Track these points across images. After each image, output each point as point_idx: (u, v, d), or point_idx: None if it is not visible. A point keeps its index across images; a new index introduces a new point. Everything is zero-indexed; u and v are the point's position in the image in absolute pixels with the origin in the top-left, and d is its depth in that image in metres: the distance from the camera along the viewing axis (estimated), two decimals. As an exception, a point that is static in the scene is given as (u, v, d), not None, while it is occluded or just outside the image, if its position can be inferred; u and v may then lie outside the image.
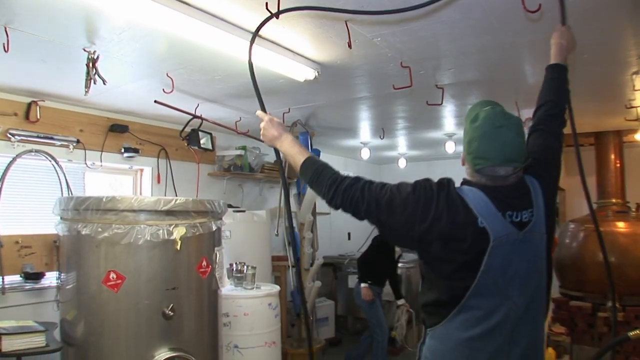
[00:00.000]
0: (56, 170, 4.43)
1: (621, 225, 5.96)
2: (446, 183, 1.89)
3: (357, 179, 1.96)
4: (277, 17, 2.51)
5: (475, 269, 1.80)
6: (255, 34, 2.24)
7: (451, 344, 1.89)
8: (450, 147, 6.87)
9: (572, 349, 5.78)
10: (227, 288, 4.62)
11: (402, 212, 1.85)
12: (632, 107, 4.79)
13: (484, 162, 1.86)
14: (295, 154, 2.13)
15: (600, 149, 6.73)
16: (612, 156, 6.58)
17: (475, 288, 1.81)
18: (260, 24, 2.25)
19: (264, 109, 2.26)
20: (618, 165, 6.56)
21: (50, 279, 4.21)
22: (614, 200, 6.42)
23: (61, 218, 3.31)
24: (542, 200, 1.93)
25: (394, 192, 1.88)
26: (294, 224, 6.18)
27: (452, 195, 1.85)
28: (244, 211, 5.65)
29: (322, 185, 1.99)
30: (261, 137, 2.25)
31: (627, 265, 5.70)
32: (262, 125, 2.23)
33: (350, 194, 1.91)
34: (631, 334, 2.02)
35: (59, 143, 4.50)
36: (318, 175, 2.01)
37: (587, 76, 4.02)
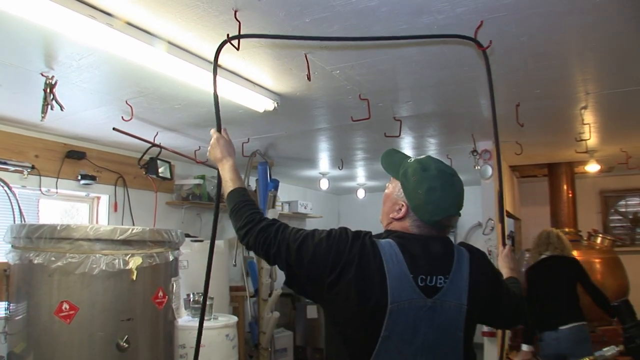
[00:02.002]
0: (9, 197, 4.31)
1: (574, 254, 6.12)
2: (363, 235, 1.76)
3: (274, 222, 1.87)
4: (237, 49, 2.55)
5: (378, 334, 1.66)
6: (217, 56, 2.25)
7: None
8: (408, 178, 6.97)
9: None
10: (184, 319, 4.54)
11: (311, 259, 1.72)
12: (582, 140, 4.98)
13: (443, 212, 1.77)
14: (228, 181, 2.10)
15: (553, 180, 6.93)
16: (565, 187, 6.79)
17: (377, 356, 1.67)
18: (217, 49, 2.28)
19: (219, 128, 2.25)
20: (570, 195, 6.77)
21: (-1, 310, 4.07)
22: (566, 229, 6.59)
23: (12, 246, 3.21)
24: (467, 272, 1.79)
25: (307, 238, 1.77)
26: (252, 255, 6.15)
27: (366, 248, 1.71)
28: (202, 241, 5.59)
29: (239, 219, 1.93)
30: (207, 155, 2.22)
31: (580, 293, 5.84)
32: (210, 142, 2.20)
33: (264, 236, 1.82)
34: (581, 361, 2.07)
35: (12, 168, 4.39)
36: (238, 209, 1.97)
37: (539, 110, 4.18)
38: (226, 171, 2.12)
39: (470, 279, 1.78)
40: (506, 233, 5.34)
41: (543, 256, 4.86)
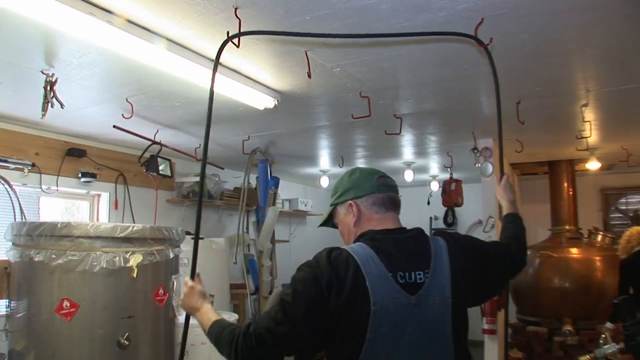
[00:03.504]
0: (9, 194, 4.32)
1: (574, 252, 6.13)
2: (333, 250, 1.74)
3: (248, 324, 1.74)
4: (238, 46, 2.55)
5: (363, 337, 1.63)
6: (217, 60, 2.26)
7: None
8: (409, 176, 6.98)
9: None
10: (184, 316, 4.54)
11: (309, 311, 1.66)
12: (582, 137, 4.98)
13: (372, 174, 1.93)
14: (210, 320, 1.97)
15: (554, 178, 6.93)
16: (565, 184, 6.79)
17: (364, 359, 1.64)
18: (220, 48, 2.28)
19: (193, 273, 2.23)
20: (571, 193, 6.77)
21: (-1, 307, 4.07)
22: (567, 227, 6.59)
23: (13, 244, 3.21)
24: (447, 263, 1.78)
25: (284, 301, 1.70)
26: (253, 252, 6.16)
27: (342, 257, 1.70)
28: (202, 238, 5.59)
29: (223, 345, 1.81)
30: (180, 305, 2.16)
31: (580, 290, 5.85)
32: (184, 291, 2.12)
33: (251, 338, 1.68)
34: (581, 358, 2.07)
35: (13, 166, 4.39)
36: (220, 332, 1.85)
37: (540, 108, 4.18)
38: (205, 315, 2.02)
39: (451, 270, 1.77)
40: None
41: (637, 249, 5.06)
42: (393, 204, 1.91)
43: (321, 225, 2.11)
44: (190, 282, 2.17)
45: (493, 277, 1.99)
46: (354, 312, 1.64)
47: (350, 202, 1.89)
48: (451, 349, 1.74)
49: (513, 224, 2.25)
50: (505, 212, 2.35)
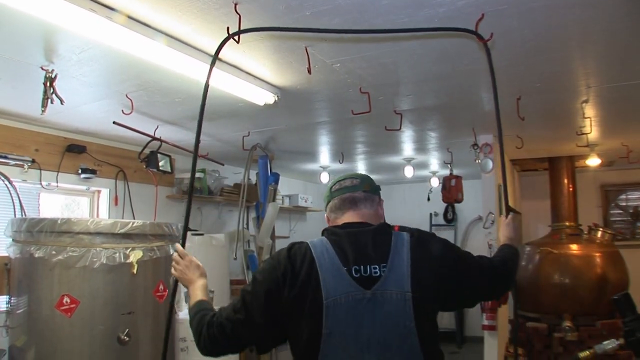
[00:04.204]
0: (9, 191, 4.31)
1: (574, 248, 6.12)
2: (296, 244, 1.83)
3: (213, 314, 1.85)
4: (238, 42, 2.54)
5: (319, 333, 1.65)
6: (215, 56, 2.25)
7: None
8: (409, 172, 6.98)
9: (529, 369, 5.88)
10: (185, 312, 4.54)
11: (256, 300, 1.75)
12: (583, 133, 4.98)
13: (334, 183, 1.98)
14: (195, 297, 2.02)
15: (554, 174, 6.93)
16: (565, 181, 6.78)
17: (323, 357, 1.65)
18: (219, 45, 2.27)
19: (184, 243, 2.19)
20: (571, 189, 6.76)
21: (0, 303, 4.07)
22: (567, 223, 6.59)
23: (13, 240, 3.22)
24: (407, 258, 1.75)
25: (245, 291, 1.80)
26: (253, 248, 6.16)
27: (301, 250, 1.77)
28: (202, 234, 5.59)
29: (193, 329, 1.89)
30: (172, 271, 2.13)
31: (580, 286, 5.84)
32: (179, 262, 2.11)
33: (213, 327, 1.79)
34: (581, 354, 2.07)
35: (12, 162, 4.38)
36: (193, 316, 1.91)
37: (541, 104, 4.17)
38: (195, 291, 2.04)
39: (411, 264, 1.73)
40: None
41: None
42: (349, 202, 1.93)
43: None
44: (183, 250, 2.15)
45: (469, 287, 1.93)
46: (306, 305, 1.67)
47: (325, 214, 2.02)
48: (417, 345, 1.69)
49: (508, 248, 2.19)
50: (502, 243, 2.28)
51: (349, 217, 1.92)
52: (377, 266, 1.72)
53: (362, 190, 1.94)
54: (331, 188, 1.98)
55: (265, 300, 1.72)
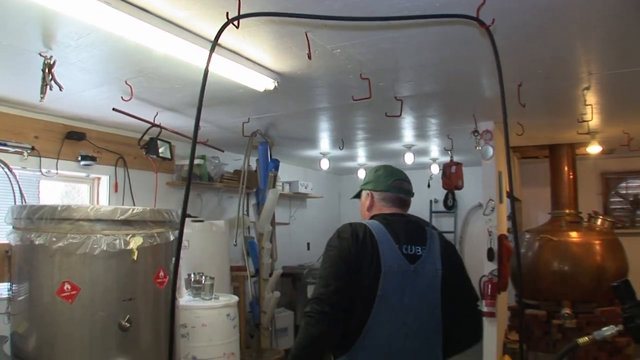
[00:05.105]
0: (9, 178, 4.31)
1: (574, 235, 6.13)
2: (353, 223, 2.23)
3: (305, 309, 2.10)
4: (237, 27, 2.52)
5: (375, 294, 2.07)
6: (215, 42, 2.23)
7: None
8: (409, 158, 6.97)
9: (528, 355, 5.90)
10: (185, 299, 4.57)
11: (344, 265, 2.10)
12: (584, 121, 4.95)
13: (390, 176, 2.39)
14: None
15: (554, 162, 6.91)
16: (566, 168, 6.77)
17: (374, 313, 2.06)
18: (219, 31, 2.25)
19: (182, 230, 2.11)
20: (571, 177, 6.76)
21: (1, 290, 4.07)
22: (567, 211, 6.59)
23: (13, 227, 3.22)
24: (439, 246, 2.25)
25: (327, 269, 2.12)
26: (253, 234, 6.17)
27: (362, 227, 2.19)
28: (202, 221, 5.60)
29: (304, 339, 2.03)
30: None
31: (579, 274, 5.86)
32: None
33: (311, 307, 2.04)
34: (580, 340, 2.07)
35: (12, 150, 4.38)
36: (300, 345, 2.04)
37: (542, 91, 4.15)
38: None
39: (441, 249, 2.25)
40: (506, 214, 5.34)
41: None
42: (400, 203, 2.39)
43: (353, 198, 2.61)
44: None
45: (459, 285, 2.31)
46: (368, 269, 2.09)
47: (369, 191, 2.43)
48: (438, 312, 2.18)
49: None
50: None
51: (396, 210, 2.37)
52: (419, 247, 2.20)
53: (409, 196, 2.44)
54: (388, 180, 2.39)
55: (348, 262, 2.10)
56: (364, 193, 2.48)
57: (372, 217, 2.33)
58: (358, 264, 2.09)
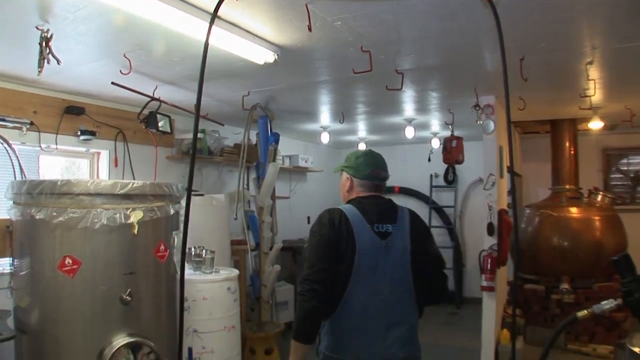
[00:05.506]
0: (8, 153, 4.30)
1: (574, 211, 6.14)
2: (331, 209, 2.61)
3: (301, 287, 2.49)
4: None
5: (352, 266, 2.47)
6: (214, 14, 2.20)
7: (338, 328, 2.51)
8: (410, 133, 6.94)
9: (526, 330, 5.96)
10: (186, 272, 4.57)
11: (327, 248, 2.49)
12: (586, 96, 4.92)
13: (369, 166, 2.71)
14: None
15: (555, 137, 6.89)
16: (567, 144, 6.75)
17: (351, 284, 2.47)
18: (218, 2, 2.22)
19: (188, 205, 2.36)
20: (572, 152, 6.74)
21: (3, 265, 4.08)
22: (567, 187, 6.59)
23: (14, 202, 3.21)
24: (408, 224, 2.62)
25: (311, 252, 2.53)
26: (253, 208, 6.18)
27: (336, 218, 2.54)
28: (202, 195, 5.60)
29: (301, 313, 2.46)
30: None
31: (579, 249, 5.89)
32: None
33: (304, 287, 2.45)
34: (579, 314, 2.08)
35: (11, 125, 4.36)
36: (299, 320, 2.50)
37: (544, 65, 4.11)
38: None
39: (410, 225, 2.63)
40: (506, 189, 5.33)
41: None
42: (376, 188, 2.74)
43: (334, 171, 2.99)
44: None
45: (426, 255, 2.66)
46: (345, 247, 2.48)
47: (349, 176, 2.76)
48: (410, 282, 2.57)
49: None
50: None
51: (371, 193, 2.71)
52: (389, 225, 2.58)
53: (384, 181, 2.80)
54: (367, 169, 2.70)
55: (328, 245, 2.49)
56: (344, 174, 2.79)
57: (349, 201, 2.70)
58: (336, 245, 2.48)
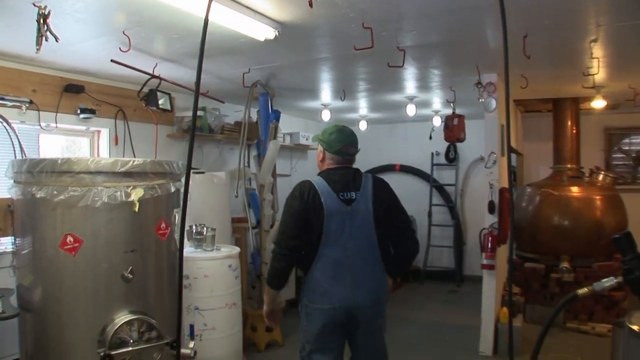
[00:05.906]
0: (8, 133, 4.28)
1: (575, 190, 6.15)
2: (302, 184, 3.13)
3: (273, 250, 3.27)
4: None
5: (321, 229, 3.00)
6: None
7: (314, 283, 3.08)
8: (411, 110, 6.91)
9: (526, 308, 6.00)
10: (187, 250, 4.60)
11: (296, 218, 3.07)
12: (590, 74, 4.88)
13: (340, 142, 3.16)
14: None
15: (557, 116, 6.87)
16: (569, 123, 6.73)
17: (322, 244, 3.02)
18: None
19: (187, 183, 2.42)
20: (574, 131, 6.72)
21: (5, 244, 4.10)
22: (569, 166, 6.59)
23: (15, 181, 3.20)
24: (371, 190, 3.10)
25: (285, 221, 3.13)
26: (254, 186, 6.18)
27: (307, 190, 3.06)
28: (203, 172, 5.60)
29: (272, 270, 3.20)
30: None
31: (579, 228, 5.91)
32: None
33: (278, 252, 3.14)
34: (580, 292, 2.09)
35: (10, 104, 4.33)
36: (270, 274, 3.23)
37: (547, 42, 4.08)
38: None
39: (373, 193, 3.10)
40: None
41: None
42: (345, 162, 3.21)
43: (313, 140, 3.54)
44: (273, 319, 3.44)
45: (392, 219, 3.18)
46: (315, 214, 3.01)
47: (322, 149, 3.25)
48: (375, 239, 3.09)
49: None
50: None
51: (341, 165, 3.19)
52: (354, 192, 3.08)
53: (353, 156, 3.27)
54: (338, 145, 3.17)
55: (297, 216, 3.05)
56: (319, 146, 3.28)
57: (320, 172, 3.21)
58: (307, 213, 3.02)
